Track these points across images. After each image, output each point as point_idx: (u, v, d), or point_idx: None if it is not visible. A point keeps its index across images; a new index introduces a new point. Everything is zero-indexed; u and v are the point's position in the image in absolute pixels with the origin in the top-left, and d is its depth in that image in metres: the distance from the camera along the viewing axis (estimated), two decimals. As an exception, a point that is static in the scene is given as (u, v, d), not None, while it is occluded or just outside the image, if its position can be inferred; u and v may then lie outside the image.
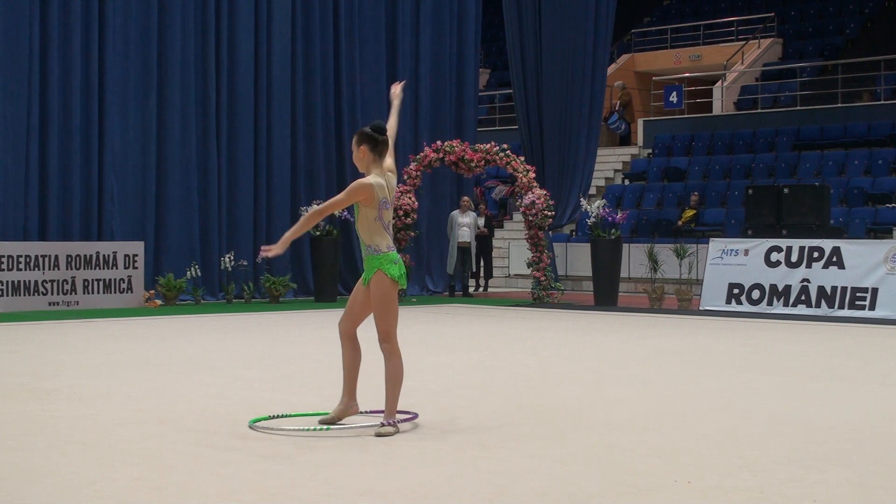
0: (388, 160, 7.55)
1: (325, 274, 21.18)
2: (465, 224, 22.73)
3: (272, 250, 7.52)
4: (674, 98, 31.41)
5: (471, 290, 23.89)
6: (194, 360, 11.52)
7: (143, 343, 13.37)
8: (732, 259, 18.65)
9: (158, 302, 19.35)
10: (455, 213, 23.00)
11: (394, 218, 20.54)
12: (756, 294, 18.27)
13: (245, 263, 20.91)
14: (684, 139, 30.26)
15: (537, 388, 9.59)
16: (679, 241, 21.95)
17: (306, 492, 5.65)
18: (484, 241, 24.30)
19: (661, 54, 35.47)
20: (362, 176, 7.57)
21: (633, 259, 23.18)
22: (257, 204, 21.78)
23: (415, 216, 21.38)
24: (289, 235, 7.64)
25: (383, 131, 7.53)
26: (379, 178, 7.43)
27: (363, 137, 7.49)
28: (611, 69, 32.21)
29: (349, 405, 7.59)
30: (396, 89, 8.06)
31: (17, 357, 11.63)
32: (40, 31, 19.12)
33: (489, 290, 25.03)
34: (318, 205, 7.85)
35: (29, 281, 18.11)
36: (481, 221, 24.00)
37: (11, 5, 18.68)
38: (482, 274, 25.12)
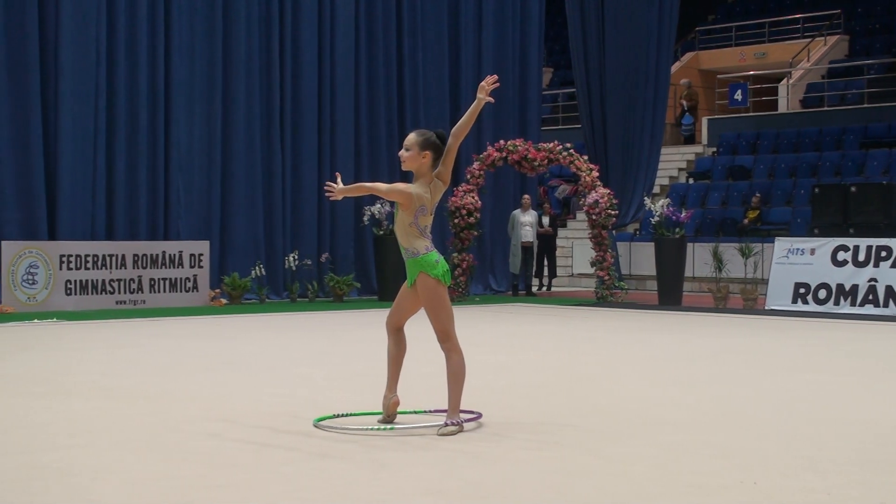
0: (442, 168, 7.44)
1: (388, 273, 21.20)
2: (527, 223, 22.67)
3: (335, 192, 7.54)
4: (739, 96, 31.19)
5: (534, 289, 23.83)
6: (258, 359, 11.60)
7: (207, 342, 13.47)
8: (798, 258, 18.47)
9: (223, 301, 19.50)
10: (517, 212, 22.95)
11: (457, 217, 20.64)
12: (822, 294, 18.08)
13: (309, 263, 21.02)
14: (749, 137, 30.02)
15: (599, 388, 9.55)
16: (744, 241, 21.77)
17: (369, 490, 5.67)
18: (548, 241, 24.22)
19: (726, 52, 35.21)
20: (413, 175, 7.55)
21: (698, 258, 23.03)
22: (321, 203, 21.86)
23: (478, 215, 21.38)
24: (345, 189, 7.60)
25: (446, 140, 7.42)
26: (424, 187, 7.43)
27: (430, 145, 7.41)
28: (675, 67, 32.09)
29: (388, 397, 7.55)
30: (485, 85, 7.41)
31: (86, 355, 11.76)
32: (107, 34, 19.32)
33: (552, 289, 24.94)
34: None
35: (97, 280, 18.33)
36: (545, 220, 23.93)
37: (79, 9, 18.90)
38: (546, 273, 25.03)
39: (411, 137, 7.51)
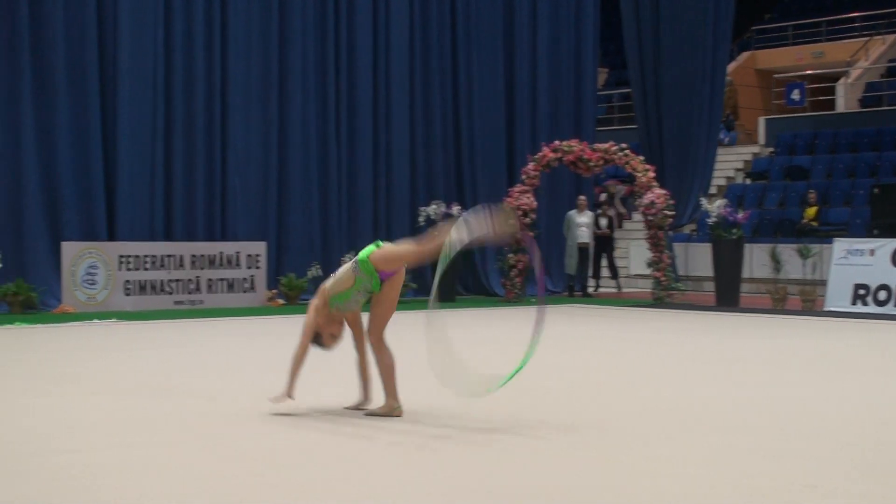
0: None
1: (444, 273, 21.22)
2: (582, 224, 22.61)
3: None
4: (796, 96, 30.95)
5: (590, 290, 23.76)
6: (315, 359, 11.63)
7: (264, 342, 13.55)
8: (858, 259, 18.29)
9: (281, 301, 19.60)
10: (572, 212, 22.89)
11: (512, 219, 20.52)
12: (883, 295, 17.89)
13: (365, 263, 21.04)
14: (807, 137, 29.75)
15: (655, 389, 9.51)
16: (802, 241, 21.59)
17: (432, 489, 5.68)
18: (606, 242, 24.13)
19: (783, 51, 34.95)
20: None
21: (756, 259, 22.85)
22: (377, 203, 21.95)
23: (533, 216, 21.35)
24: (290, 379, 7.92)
25: None
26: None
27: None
28: (731, 67, 31.89)
29: (396, 407, 7.84)
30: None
31: (144, 355, 11.87)
32: (164, 36, 19.50)
33: (600, 290, 24.68)
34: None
35: (155, 280, 18.49)
36: (603, 222, 23.84)
37: (137, 11, 19.08)
38: (605, 274, 24.87)
39: None
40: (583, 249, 22.65)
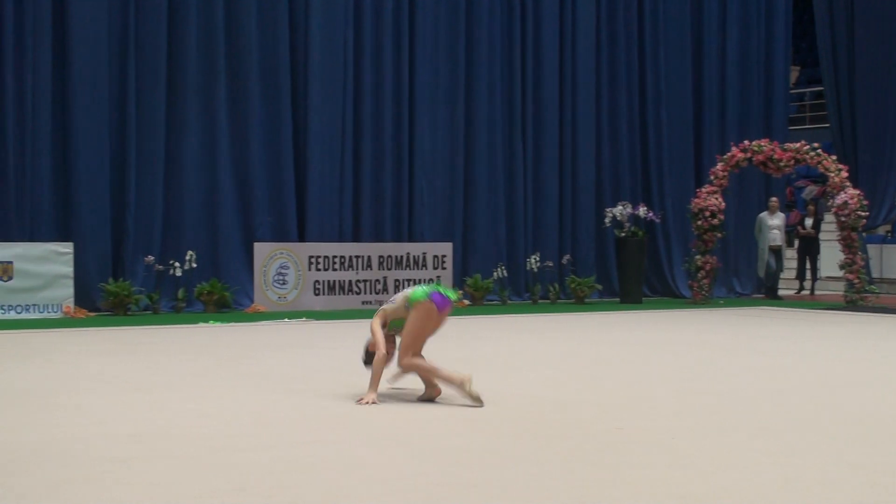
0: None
1: (630, 275, 21.11)
2: (775, 226, 22.16)
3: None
4: None
5: (792, 292, 23.28)
6: (500, 360, 11.68)
7: (450, 342, 13.62)
8: None
9: (466, 302, 19.70)
10: (763, 214, 22.46)
11: (700, 219, 20.24)
12: None
13: (551, 264, 21.08)
14: None
15: (847, 393, 9.26)
16: None
17: (613, 494, 5.64)
18: (810, 243, 23.60)
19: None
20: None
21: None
22: (562, 204, 21.91)
23: (721, 217, 21.04)
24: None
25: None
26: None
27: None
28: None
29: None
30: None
31: (333, 354, 12.05)
32: (354, 41, 19.81)
33: (815, 292, 24.12)
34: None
35: (343, 281, 18.81)
36: (808, 222, 23.34)
37: (328, 16, 19.43)
38: (808, 276, 24.34)
39: None
40: (775, 251, 22.20)
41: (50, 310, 16.47)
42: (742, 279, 23.89)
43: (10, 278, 16.27)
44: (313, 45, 19.33)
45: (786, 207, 24.14)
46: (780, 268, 22.66)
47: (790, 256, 24.58)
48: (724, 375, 10.23)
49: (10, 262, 16.30)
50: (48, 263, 16.53)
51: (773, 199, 22.78)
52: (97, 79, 17.57)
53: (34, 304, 16.39)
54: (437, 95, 20.69)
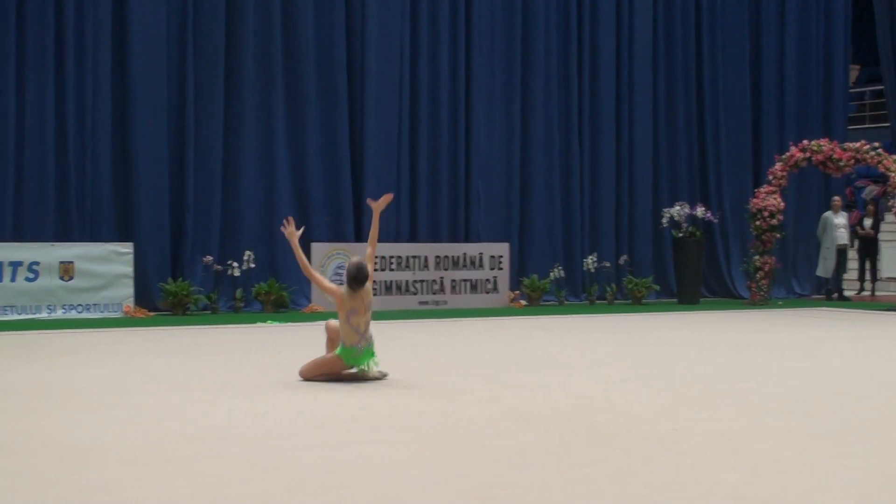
0: (367, 284, 9.62)
1: (687, 275, 21.00)
2: (840, 225, 21.95)
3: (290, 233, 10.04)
4: None
5: (852, 293, 23.04)
6: (556, 360, 11.67)
7: (506, 342, 13.64)
8: None
9: (523, 302, 19.71)
10: (828, 214, 22.26)
11: (758, 220, 20.10)
12: None
13: (608, 265, 21.02)
14: None
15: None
16: None
17: (668, 496, 5.61)
18: (869, 243, 23.37)
19: None
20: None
21: None
22: (619, 206, 21.85)
23: (780, 217, 20.88)
24: (295, 244, 10.07)
25: (360, 281, 9.58)
26: (353, 295, 9.54)
27: (346, 279, 9.67)
28: None
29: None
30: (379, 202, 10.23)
31: (388, 354, 12.08)
32: (410, 42, 19.87)
33: (863, 293, 23.90)
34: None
35: (400, 281, 18.86)
36: (867, 223, 23.11)
37: (384, 17, 19.49)
38: (868, 277, 24.09)
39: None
40: (841, 251, 21.98)
41: (110, 309, 16.65)
42: (801, 280, 23.70)
43: (72, 278, 16.47)
44: (370, 46, 19.40)
45: (846, 208, 23.88)
46: (844, 268, 22.41)
47: (851, 257, 24.31)
48: (782, 376, 10.16)
49: (72, 263, 16.50)
50: (108, 263, 16.72)
51: (836, 197, 22.60)
52: (156, 81, 17.75)
53: (95, 304, 16.58)
54: (494, 96, 20.70)
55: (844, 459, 6.49)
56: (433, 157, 20.10)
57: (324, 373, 9.60)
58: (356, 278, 9.54)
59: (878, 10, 24.06)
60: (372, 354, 9.66)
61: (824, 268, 22.10)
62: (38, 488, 5.61)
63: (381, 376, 9.57)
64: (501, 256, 19.82)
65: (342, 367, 9.61)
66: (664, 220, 21.25)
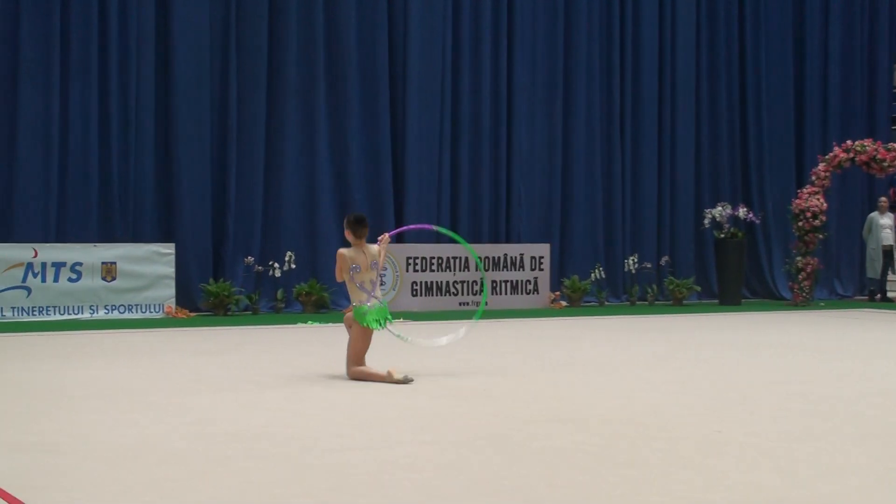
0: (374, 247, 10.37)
1: (729, 276, 20.89)
2: (886, 226, 21.78)
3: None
4: None
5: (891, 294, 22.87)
6: (597, 361, 11.64)
7: (547, 343, 13.63)
8: None
9: (563, 303, 19.67)
10: (874, 214, 22.10)
11: (801, 220, 19.96)
12: None
13: (649, 266, 20.95)
14: None
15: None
16: None
17: (710, 497, 5.59)
18: None
19: None
20: None
21: None
22: (661, 206, 21.78)
23: (823, 218, 20.74)
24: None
25: (361, 219, 10.36)
26: (355, 251, 10.14)
27: (347, 224, 10.38)
28: None
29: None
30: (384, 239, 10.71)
31: (431, 354, 12.09)
32: (452, 43, 19.88)
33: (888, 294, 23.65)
34: None
35: (441, 281, 18.86)
36: None
37: (426, 21, 19.51)
38: None
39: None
40: (887, 252, 21.80)
41: (152, 310, 16.74)
42: (844, 281, 23.55)
43: (114, 279, 16.57)
44: (412, 48, 19.43)
45: (892, 209, 23.68)
46: (889, 269, 22.23)
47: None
48: (825, 378, 10.10)
49: (114, 263, 16.60)
50: (150, 264, 16.82)
51: (883, 198, 22.44)
52: (199, 83, 17.84)
53: (137, 304, 16.68)
54: (535, 97, 20.68)
55: (891, 462, 6.44)
56: (474, 158, 20.09)
57: (360, 354, 9.92)
58: (358, 220, 10.27)
59: (922, 8, 23.91)
60: (386, 313, 10.13)
61: (873, 268, 21.95)
62: (82, 488, 5.65)
63: (406, 381, 9.52)
64: (542, 257, 19.79)
65: (366, 334, 9.96)
66: (706, 221, 21.16)
